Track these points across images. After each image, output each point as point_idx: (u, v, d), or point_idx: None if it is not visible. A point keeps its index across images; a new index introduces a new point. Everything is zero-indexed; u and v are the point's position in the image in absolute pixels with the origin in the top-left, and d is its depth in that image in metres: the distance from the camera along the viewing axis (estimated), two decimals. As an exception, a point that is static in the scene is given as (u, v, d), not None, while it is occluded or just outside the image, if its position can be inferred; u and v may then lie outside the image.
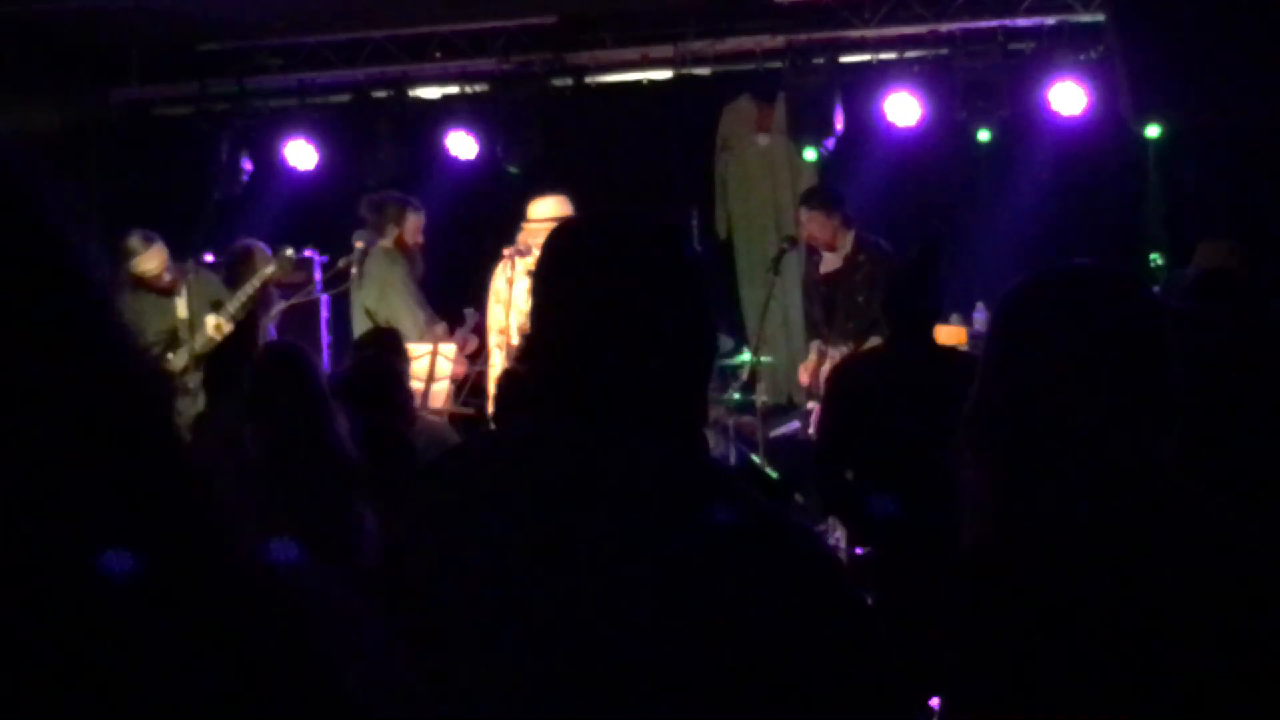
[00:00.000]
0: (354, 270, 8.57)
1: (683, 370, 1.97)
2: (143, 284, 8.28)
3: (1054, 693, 2.04)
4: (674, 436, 1.93)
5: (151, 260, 8.30)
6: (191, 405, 7.35)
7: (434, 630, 1.88)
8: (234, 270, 8.59)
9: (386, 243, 8.59)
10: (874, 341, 8.29)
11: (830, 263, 8.58)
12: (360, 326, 8.34)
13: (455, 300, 8.91)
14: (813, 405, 8.69)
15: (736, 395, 8.96)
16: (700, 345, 2.00)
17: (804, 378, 8.82)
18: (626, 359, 1.92)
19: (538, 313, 2.01)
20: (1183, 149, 9.19)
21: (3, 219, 0.93)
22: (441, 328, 8.55)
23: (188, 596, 0.90)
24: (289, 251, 8.55)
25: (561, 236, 2.09)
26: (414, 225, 8.67)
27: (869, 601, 4.88)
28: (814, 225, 8.50)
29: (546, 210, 7.92)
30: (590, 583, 1.78)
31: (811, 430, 8.65)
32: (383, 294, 8.48)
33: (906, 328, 5.43)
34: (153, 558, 0.88)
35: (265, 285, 8.38)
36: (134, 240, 8.30)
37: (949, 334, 7.88)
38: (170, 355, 8.16)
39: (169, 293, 8.36)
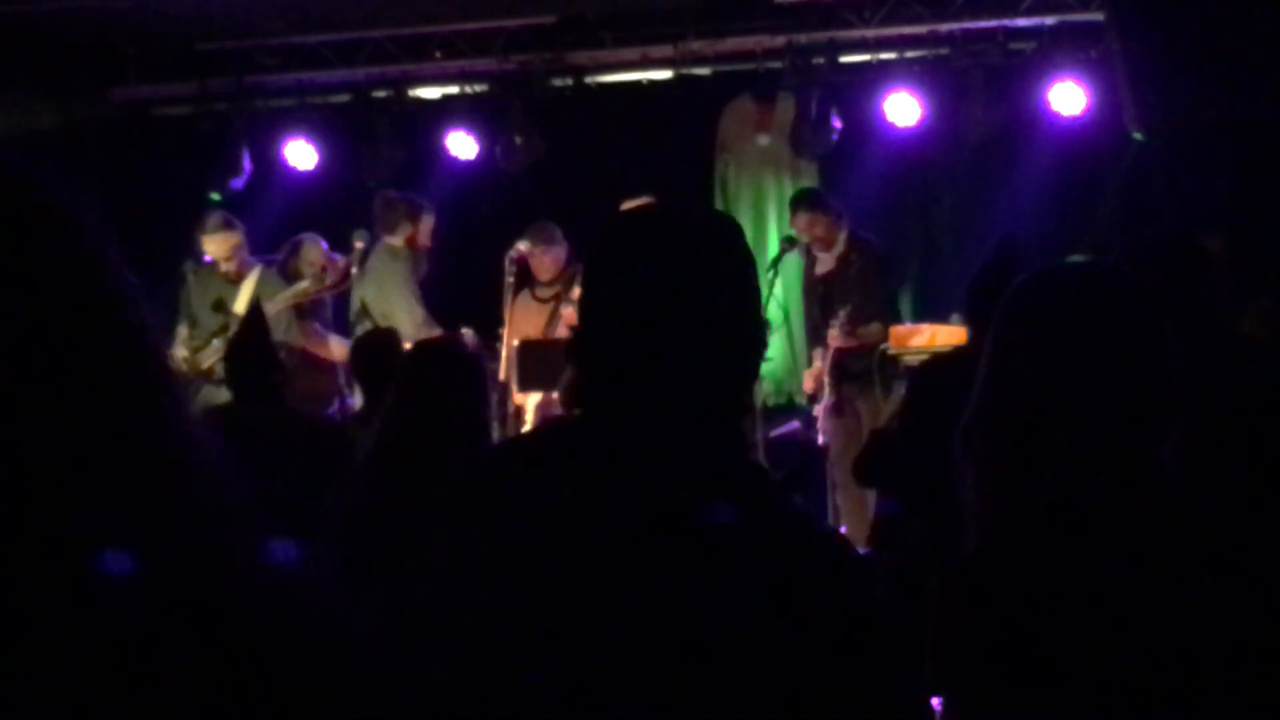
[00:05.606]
0: (354, 269, 8.62)
1: (735, 363, 1.94)
2: (215, 265, 8.56)
3: (1055, 693, 2.04)
4: (715, 431, 1.90)
5: (212, 244, 8.56)
6: (216, 395, 7.56)
7: (449, 625, 1.87)
8: (285, 265, 8.75)
9: (395, 240, 8.67)
10: (873, 330, 8.29)
11: (825, 263, 8.65)
12: (355, 318, 8.41)
13: (454, 300, 8.90)
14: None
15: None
16: (754, 338, 1.96)
17: (808, 384, 8.82)
18: (685, 351, 1.88)
19: (590, 305, 1.96)
20: (1179, 149, 9.18)
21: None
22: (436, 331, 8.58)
23: (189, 596, 0.89)
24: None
25: (617, 227, 2.05)
26: (428, 227, 8.81)
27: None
28: (816, 227, 8.53)
29: None
30: (594, 582, 1.77)
31: (818, 431, 8.65)
32: (381, 289, 8.53)
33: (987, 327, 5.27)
34: (153, 557, 0.88)
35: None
36: (210, 219, 8.60)
37: (950, 334, 7.88)
38: (215, 342, 8.24)
39: (232, 281, 8.52)
